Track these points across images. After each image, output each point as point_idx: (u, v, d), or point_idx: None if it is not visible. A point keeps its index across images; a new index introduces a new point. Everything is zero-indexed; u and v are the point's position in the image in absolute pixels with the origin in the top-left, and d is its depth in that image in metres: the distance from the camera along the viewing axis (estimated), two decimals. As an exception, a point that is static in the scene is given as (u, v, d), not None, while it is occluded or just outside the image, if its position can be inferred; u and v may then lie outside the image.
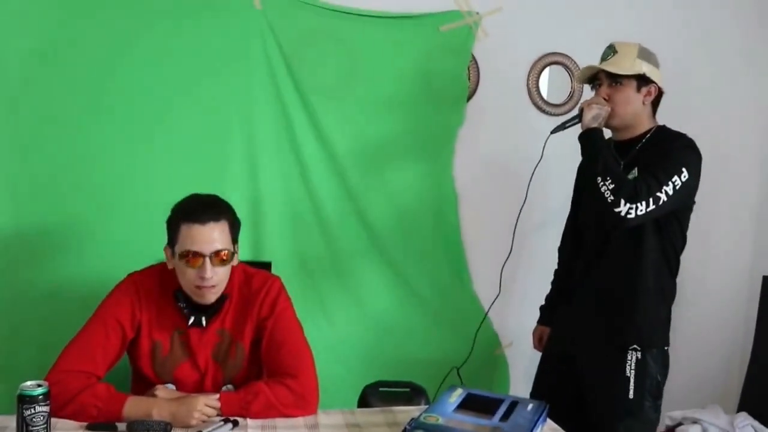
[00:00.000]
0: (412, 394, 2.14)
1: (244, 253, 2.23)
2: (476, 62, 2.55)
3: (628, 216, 1.83)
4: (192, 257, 1.63)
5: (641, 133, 2.01)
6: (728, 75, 2.79)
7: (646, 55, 2.00)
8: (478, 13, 2.51)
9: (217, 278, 1.66)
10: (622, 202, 1.82)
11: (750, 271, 2.87)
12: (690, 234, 2.76)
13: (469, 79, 2.54)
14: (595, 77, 2.03)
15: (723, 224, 2.85)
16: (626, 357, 1.97)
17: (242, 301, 1.77)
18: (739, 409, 2.64)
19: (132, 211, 2.26)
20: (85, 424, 1.52)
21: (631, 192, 1.83)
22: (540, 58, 2.61)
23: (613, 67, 1.96)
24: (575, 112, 2.18)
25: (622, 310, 1.98)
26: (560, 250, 2.32)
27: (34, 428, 1.35)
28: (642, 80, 1.97)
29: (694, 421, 2.40)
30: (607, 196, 1.84)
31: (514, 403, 1.56)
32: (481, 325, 2.48)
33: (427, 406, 1.59)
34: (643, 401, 1.98)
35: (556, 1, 2.59)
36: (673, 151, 1.92)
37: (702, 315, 2.87)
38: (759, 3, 2.78)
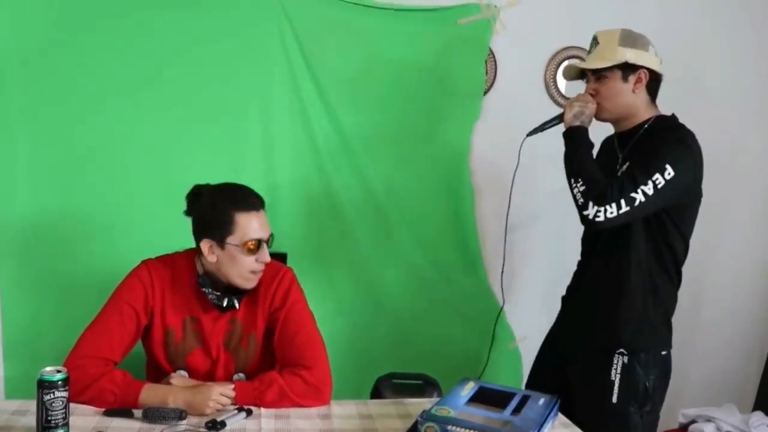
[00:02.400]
0: (424, 386, 2.15)
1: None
2: (494, 56, 2.54)
3: (597, 219, 1.77)
4: (254, 245, 1.68)
5: (640, 123, 1.91)
6: (745, 68, 2.76)
7: (629, 40, 1.87)
8: (496, 7, 2.50)
9: None
10: (590, 204, 1.77)
11: (767, 269, 2.84)
12: (707, 232, 2.74)
13: (486, 72, 2.53)
14: (584, 72, 1.96)
15: (740, 222, 2.82)
16: (612, 360, 1.90)
17: (254, 290, 1.79)
18: (755, 408, 2.63)
19: (149, 199, 2.29)
20: (102, 410, 1.55)
21: (599, 194, 1.77)
22: (558, 52, 2.59)
23: (592, 61, 1.89)
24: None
25: (609, 310, 1.92)
26: (582, 241, 2.22)
27: (54, 412, 1.38)
28: (627, 68, 1.87)
29: (709, 419, 2.38)
30: (578, 198, 1.81)
31: (526, 397, 1.57)
32: (498, 319, 2.48)
33: (439, 399, 1.60)
34: (627, 407, 1.90)
35: (576, -6, 2.58)
36: (659, 147, 1.81)
37: (718, 314, 2.85)
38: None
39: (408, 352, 2.52)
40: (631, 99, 1.89)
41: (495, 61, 2.55)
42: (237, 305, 1.75)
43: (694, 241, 2.74)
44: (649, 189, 1.76)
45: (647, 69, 1.87)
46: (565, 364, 2.02)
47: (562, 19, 2.56)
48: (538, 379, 2.13)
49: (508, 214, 2.21)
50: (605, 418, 1.90)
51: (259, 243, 1.69)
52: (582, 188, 1.80)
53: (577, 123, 1.90)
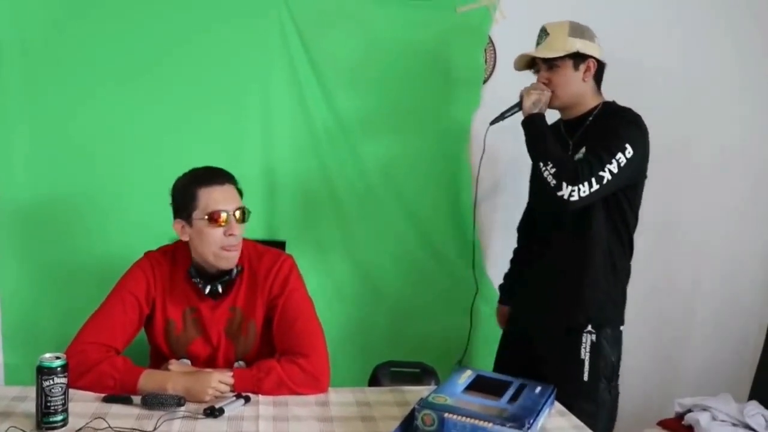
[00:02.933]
0: (422, 374, 2.16)
1: (258, 232, 2.26)
2: (493, 45, 2.53)
3: (572, 198, 1.84)
4: (217, 218, 1.68)
5: (588, 110, 2.01)
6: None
7: (578, 31, 1.99)
8: (496, -5, 2.49)
9: (240, 236, 1.73)
10: (564, 185, 1.83)
11: (763, 259, 2.85)
12: (706, 223, 2.77)
13: (485, 61, 2.53)
14: (534, 62, 2.05)
15: (736, 213, 2.82)
16: (581, 339, 1.97)
17: (253, 278, 1.80)
18: (750, 398, 2.64)
19: (150, 189, 2.28)
20: (102, 395, 1.56)
21: (571, 174, 1.84)
22: (558, 42, 2.58)
23: (544, 51, 1.99)
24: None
25: (573, 289, 1.99)
26: (519, 229, 2.35)
27: (53, 398, 1.39)
28: (578, 58, 1.97)
29: (704, 409, 2.39)
30: (549, 180, 1.86)
31: (523, 386, 1.58)
32: (479, 303, 2.47)
33: (436, 387, 1.61)
34: (597, 383, 1.98)
35: (576, -17, 2.56)
36: (616, 128, 1.91)
37: (714, 304, 2.85)
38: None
39: (406, 340, 2.53)
40: (581, 87, 2.00)
41: (494, 49, 2.54)
42: (220, 290, 1.76)
43: (690, 231, 2.78)
44: (614, 167, 1.85)
45: (594, 59, 1.99)
46: (531, 341, 2.07)
47: (562, 9, 2.51)
48: (506, 358, 2.19)
49: (475, 203, 2.29)
50: (577, 396, 1.93)
51: (225, 215, 1.69)
52: (553, 170, 1.86)
53: (536, 110, 1.98)
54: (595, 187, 1.84)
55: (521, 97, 2.02)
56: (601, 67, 2.02)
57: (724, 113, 2.74)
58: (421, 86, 2.48)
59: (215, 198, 1.70)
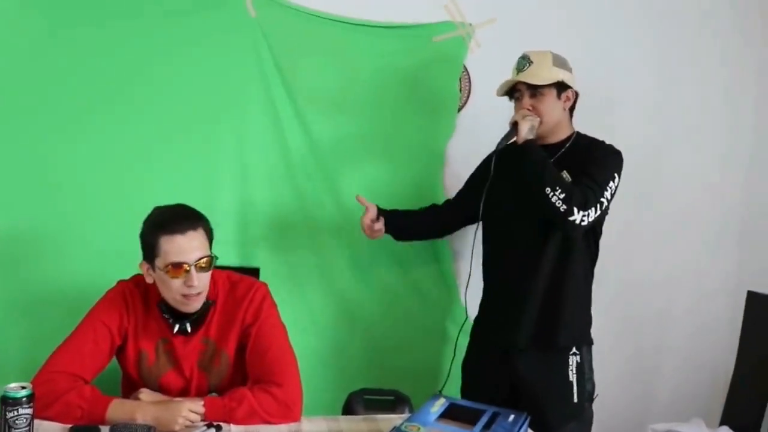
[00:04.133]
0: (396, 402, 2.15)
1: (232, 259, 2.25)
2: (468, 73, 2.57)
3: (582, 224, 1.90)
4: (177, 268, 1.63)
5: (562, 139, 2.08)
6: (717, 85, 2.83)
7: (560, 61, 2.06)
8: (471, 25, 2.53)
9: (201, 285, 1.68)
10: (575, 210, 1.89)
11: (735, 285, 2.89)
12: (678, 248, 2.82)
13: (460, 90, 2.56)
14: (513, 89, 2.09)
15: (708, 239, 2.88)
16: (568, 361, 2.04)
17: (227, 308, 1.78)
18: (721, 423, 2.66)
19: (123, 217, 2.23)
20: (69, 426, 1.53)
21: (581, 200, 1.89)
22: (532, 71, 2.62)
23: (532, 77, 2.02)
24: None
25: (558, 312, 2.04)
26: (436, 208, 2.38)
27: (17, 430, 1.36)
28: (560, 87, 2.03)
29: (677, 434, 2.41)
30: (559, 206, 1.88)
31: (496, 414, 1.58)
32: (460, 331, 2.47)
33: (409, 415, 1.60)
34: (584, 403, 2.06)
35: (550, 13, 2.61)
36: (604, 158, 2.00)
37: (687, 329, 2.89)
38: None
39: (381, 367, 2.52)
40: (561, 116, 2.07)
41: (469, 78, 2.57)
42: (189, 329, 1.74)
43: (661, 261, 2.82)
44: (608, 194, 1.96)
45: (573, 90, 2.07)
46: (516, 373, 2.09)
47: (536, 38, 2.56)
48: (478, 374, 2.21)
49: (477, 228, 2.23)
50: (570, 417, 2.04)
51: (184, 266, 1.64)
52: (562, 196, 1.88)
53: (531, 136, 2.01)
54: (598, 212, 1.93)
55: (515, 123, 2.03)
56: (576, 98, 2.09)
57: (702, 127, 2.81)
58: (397, 114, 2.49)
59: (177, 248, 1.63)
